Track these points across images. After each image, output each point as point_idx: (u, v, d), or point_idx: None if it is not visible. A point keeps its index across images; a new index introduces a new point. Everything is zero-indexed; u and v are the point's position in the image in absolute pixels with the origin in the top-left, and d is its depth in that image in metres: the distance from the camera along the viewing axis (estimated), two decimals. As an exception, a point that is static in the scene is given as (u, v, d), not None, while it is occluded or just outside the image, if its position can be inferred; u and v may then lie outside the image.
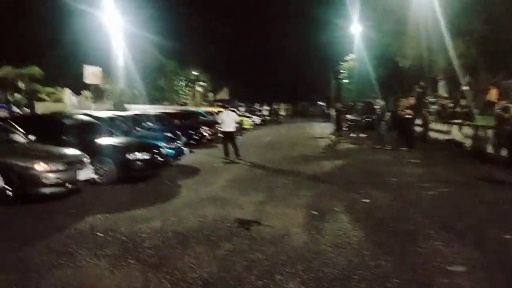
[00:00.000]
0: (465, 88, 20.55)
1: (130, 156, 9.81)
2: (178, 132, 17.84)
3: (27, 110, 20.50)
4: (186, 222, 6.61)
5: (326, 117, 50.41)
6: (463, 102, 18.00)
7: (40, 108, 21.14)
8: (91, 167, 8.76)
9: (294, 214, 7.16)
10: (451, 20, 18.24)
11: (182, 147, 13.37)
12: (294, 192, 8.92)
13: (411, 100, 17.57)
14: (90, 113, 13.87)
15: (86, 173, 8.51)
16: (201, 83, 55.05)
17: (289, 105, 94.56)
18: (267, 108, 54.35)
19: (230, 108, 15.23)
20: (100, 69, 27.40)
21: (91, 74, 26.82)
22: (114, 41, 31.00)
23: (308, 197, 8.50)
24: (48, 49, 26.25)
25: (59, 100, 25.60)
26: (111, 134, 11.23)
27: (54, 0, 26.57)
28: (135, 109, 25.85)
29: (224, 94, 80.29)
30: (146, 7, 36.11)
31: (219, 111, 15.81)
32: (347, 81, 48.34)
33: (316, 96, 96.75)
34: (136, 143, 10.83)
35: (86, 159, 8.65)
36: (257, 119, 40.45)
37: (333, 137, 23.63)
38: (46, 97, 26.24)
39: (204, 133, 20.26)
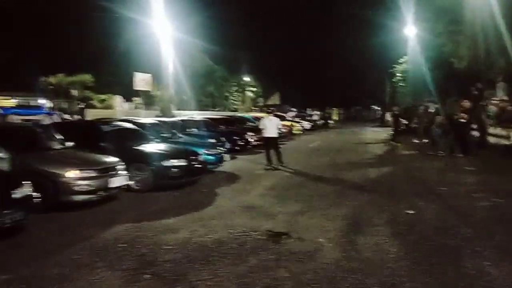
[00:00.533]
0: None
1: (166, 163, 9.66)
2: (223, 138, 17.85)
3: (78, 116, 21.11)
4: (213, 234, 6.30)
5: (380, 122, 49.00)
6: (524, 104, 16.66)
7: (91, 114, 21.72)
8: (125, 174, 8.67)
9: (330, 226, 6.69)
10: (509, 17, 17.02)
11: (223, 154, 13.10)
12: (333, 202, 8.42)
13: (466, 104, 16.46)
14: (132, 119, 13.97)
15: (120, 180, 8.42)
16: (251, 88, 55.01)
17: (342, 110, 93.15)
18: (318, 113, 53.29)
19: (274, 113, 14.85)
20: (150, 75, 27.87)
21: (141, 81, 27.36)
22: (164, 48, 31.47)
23: (348, 207, 7.98)
24: (100, 57, 27.03)
25: (109, 107, 26.28)
26: (150, 141, 11.16)
27: (105, 9, 27.39)
28: (183, 115, 26.15)
29: (275, 100, 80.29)
30: (195, 14, 36.56)
31: (262, 117, 15.41)
32: (402, 84, 46.75)
33: (371, 100, 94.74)
34: (173, 149, 10.68)
35: (121, 166, 8.56)
36: (306, 124, 39.79)
37: (389, 142, 22.58)
38: (97, 104, 27.02)
39: (249, 139, 20.02)
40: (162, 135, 12.91)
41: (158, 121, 15.68)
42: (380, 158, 16.14)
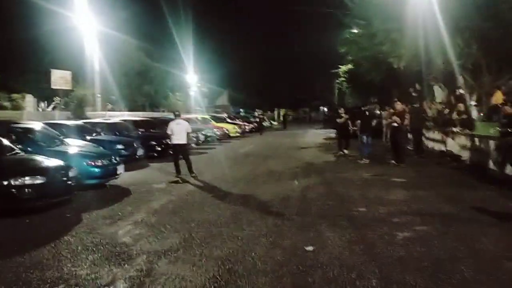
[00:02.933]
0: (461, 91, 18.04)
1: (15, 182, 7.48)
2: (136, 144, 15.75)
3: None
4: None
5: (323, 124, 48.02)
6: (461, 107, 15.49)
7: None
8: None
9: (192, 278, 4.81)
10: (448, 12, 15.91)
11: (117, 165, 10.95)
12: (219, 234, 6.53)
13: (398, 106, 15.12)
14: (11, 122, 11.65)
15: None
16: (193, 88, 52.76)
17: (291, 111, 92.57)
18: (258, 114, 51.26)
19: (182, 117, 12.77)
20: (70, 73, 25.14)
21: (59, 78, 24.57)
22: (88, 44, 28.84)
23: (235, 241, 6.13)
24: (7, 51, 24.02)
25: (17, 108, 23.30)
26: (11, 151, 8.91)
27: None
28: (101, 117, 23.71)
29: (223, 100, 78.37)
30: (127, 8, 34.04)
31: (171, 120, 13.42)
32: (346, 85, 45.94)
33: (319, 102, 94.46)
34: (29, 162, 8.48)
35: None
36: (248, 127, 37.95)
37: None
38: (6, 104, 24.01)
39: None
40: (38, 143, 10.63)
41: (50, 124, 13.36)
42: (306, 166, 14.44)
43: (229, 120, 35.72)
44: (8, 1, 24.85)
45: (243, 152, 19.84)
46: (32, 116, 20.60)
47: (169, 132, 12.34)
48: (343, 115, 17.42)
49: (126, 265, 5.26)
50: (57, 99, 27.05)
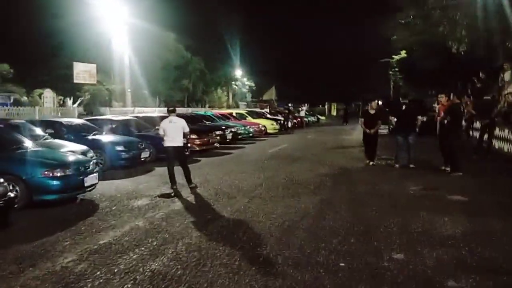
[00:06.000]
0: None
1: None
2: (141, 145, 13.60)
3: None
4: None
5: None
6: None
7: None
8: None
9: None
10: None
11: (88, 175, 8.63)
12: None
13: (443, 99, 12.03)
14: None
15: None
16: (235, 82, 50.55)
17: (342, 105, 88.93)
18: (305, 109, 48.05)
19: (174, 114, 10.18)
20: (94, 66, 23.48)
21: (83, 72, 22.97)
22: (121, 36, 27.13)
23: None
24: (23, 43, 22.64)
25: (35, 104, 21.79)
26: None
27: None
28: (135, 113, 21.95)
29: (271, 95, 75.87)
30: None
31: (163, 118, 11.00)
32: (400, 76, 41.96)
33: (373, 94, 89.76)
34: None
35: None
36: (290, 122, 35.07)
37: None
38: (27, 99, 22.70)
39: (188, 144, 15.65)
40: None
41: (32, 122, 11.46)
42: (337, 174, 11.63)
43: (269, 116, 33.11)
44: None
45: (271, 153, 17.19)
46: (46, 112, 19.01)
47: (161, 132, 9.92)
48: (371, 111, 13.14)
49: None
50: (84, 95, 25.55)
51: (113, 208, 8.00)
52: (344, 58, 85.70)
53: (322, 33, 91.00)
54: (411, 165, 12.13)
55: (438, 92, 24.73)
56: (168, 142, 9.81)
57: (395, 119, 13.79)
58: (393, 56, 39.95)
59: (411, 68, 30.41)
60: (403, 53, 35.99)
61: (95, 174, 8.63)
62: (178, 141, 9.83)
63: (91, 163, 8.84)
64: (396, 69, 40.86)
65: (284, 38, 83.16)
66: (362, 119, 13.17)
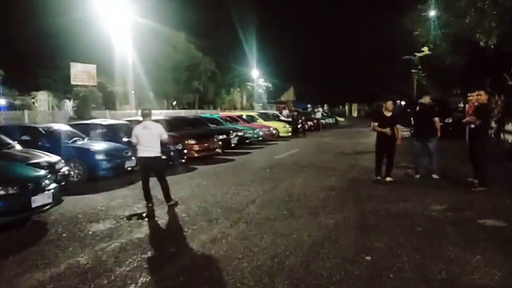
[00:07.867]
0: None
1: None
2: (127, 153, 12.21)
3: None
4: None
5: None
6: None
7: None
8: None
9: None
10: None
11: (32, 195, 7.16)
12: None
13: (474, 98, 10.05)
14: None
15: None
16: (250, 83, 49.05)
17: (362, 106, 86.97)
18: (321, 110, 45.03)
19: (150, 119, 8.61)
20: (94, 66, 22.26)
21: (81, 73, 21.76)
22: (125, 36, 25.93)
23: None
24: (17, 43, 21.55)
25: (29, 107, 20.66)
26: None
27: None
28: (138, 116, 20.58)
29: (289, 95, 74.09)
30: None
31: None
32: (422, 74, 39.78)
33: (394, 95, 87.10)
34: None
35: None
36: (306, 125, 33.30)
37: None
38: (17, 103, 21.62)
39: (182, 149, 14.20)
40: None
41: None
42: (346, 187, 9.94)
43: (282, 118, 31.45)
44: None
45: (278, 159, 15.58)
46: (39, 116, 17.82)
47: (133, 140, 8.46)
48: (386, 113, 10.36)
49: None
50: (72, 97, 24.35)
51: (63, 235, 6.57)
52: (365, 57, 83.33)
53: (342, 31, 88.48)
54: (434, 176, 10.40)
55: (463, 91, 22.90)
56: (142, 152, 8.34)
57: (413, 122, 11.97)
58: (415, 53, 37.82)
59: (435, 65, 28.36)
60: (426, 50, 33.89)
61: (47, 192, 7.17)
62: (154, 151, 8.34)
63: (45, 179, 7.37)
64: (419, 67, 38.69)
65: (302, 37, 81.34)
66: (376, 123, 10.35)
